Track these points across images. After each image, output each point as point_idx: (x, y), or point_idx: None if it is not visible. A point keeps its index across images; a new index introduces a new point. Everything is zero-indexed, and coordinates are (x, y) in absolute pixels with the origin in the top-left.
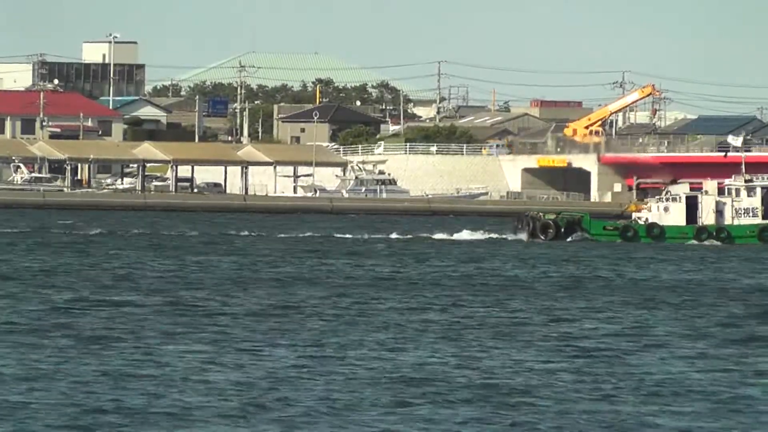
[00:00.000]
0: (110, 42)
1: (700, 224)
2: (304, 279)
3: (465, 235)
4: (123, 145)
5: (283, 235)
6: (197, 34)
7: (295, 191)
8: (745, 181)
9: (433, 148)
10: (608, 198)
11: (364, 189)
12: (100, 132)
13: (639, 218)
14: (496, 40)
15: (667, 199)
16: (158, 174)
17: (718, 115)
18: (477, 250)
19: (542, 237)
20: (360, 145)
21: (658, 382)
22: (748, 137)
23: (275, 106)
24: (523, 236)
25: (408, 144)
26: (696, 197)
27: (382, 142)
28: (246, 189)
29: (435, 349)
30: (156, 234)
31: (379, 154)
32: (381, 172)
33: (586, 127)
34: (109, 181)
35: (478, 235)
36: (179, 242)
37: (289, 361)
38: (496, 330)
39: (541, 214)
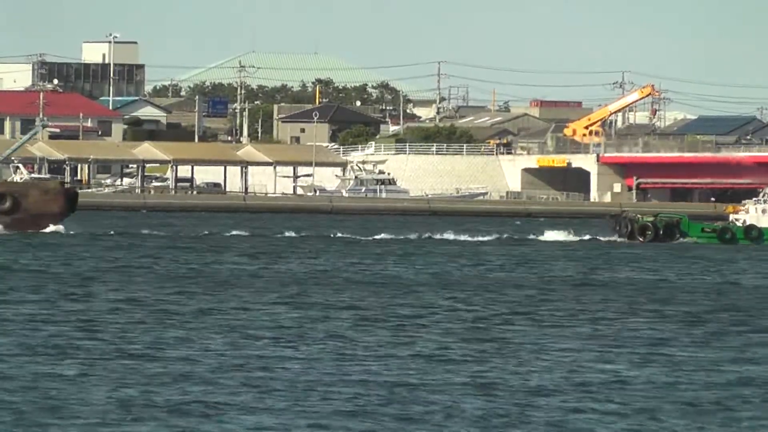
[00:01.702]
0: (110, 42)
1: None
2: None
3: (554, 235)
4: (123, 146)
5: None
6: (197, 34)
7: (294, 191)
8: None
9: (433, 148)
10: (608, 198)
11: (363, 189)
12: (99, 132)
13: (736, 220)
14: (496, 40)
15: (765, 201)
16: (158, 174)
17: (718, 115)
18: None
19: (640, 239)
20: (359, 146)
21: None
22: (748, 137)
23: (275, 107)
24: (621, 238)
25: (397, 144)
26: None
27: (373, 143)
28: (246, 189)
29: None
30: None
31: (369, 154)
32: (381, 172)
33: (586, 127)
34: (108, 181)
35: (571, 237)
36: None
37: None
38: None
39: (639, 216)
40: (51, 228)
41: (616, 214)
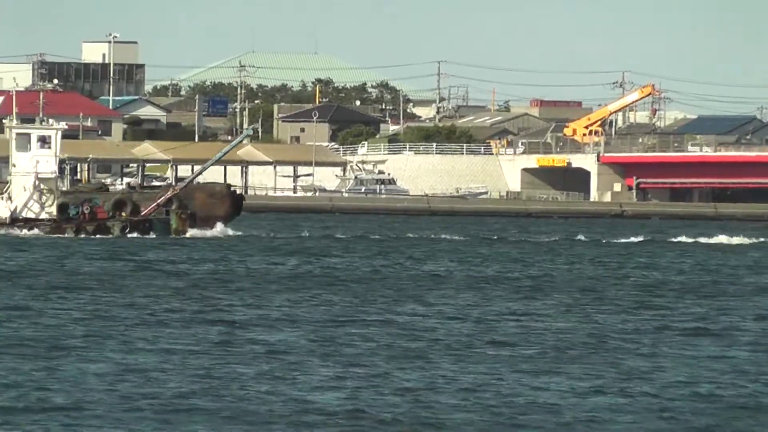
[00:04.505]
0: (110, 42)
1: None
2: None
3: (725, 239)
4: (123, 145)
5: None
6: (197, 34)
7: (294, 191)
8: None
9: (433, 148)
10: (608, 198)
11: (363, 189)
12: (100, 132)
13: None
14: (496, 40)
15: None
16: (158, 174)
17: (718, 115)
18: None
19: None
20: (357, 145)
21: None
22: (748, 137)
23: (275, 106)
24: None
25: (390, 144)
26: None
27: (366, 143)
28: (246, 189)
29: None
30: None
31: (363, 154)
32: (381, 172)
33: (586, 127)
34: (109, 181)
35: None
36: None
37: None
38: None
39: None
40: (216, 231)
41: None
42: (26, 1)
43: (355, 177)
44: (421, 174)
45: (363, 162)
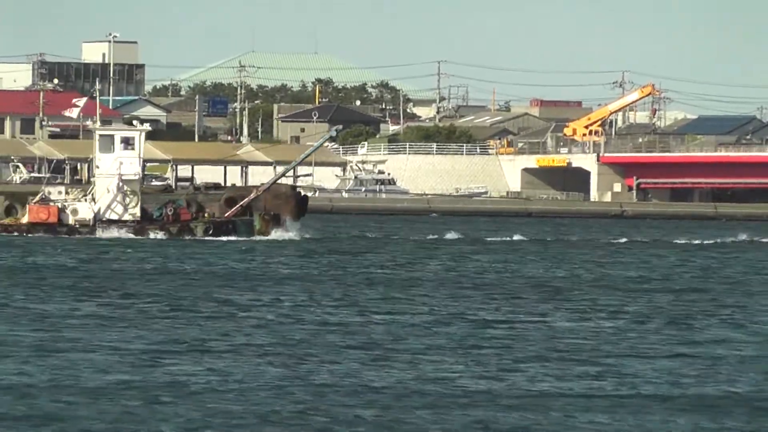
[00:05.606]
0: (110, 42)
1: None
2: None
3: None
4: None
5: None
6: (197, 34)
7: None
8: None
9: (433, 148)
10: (608, 198)
11: (363, 189)
12: None
13: None
14: (496, 40)
15: None
16: (158, 173)
17: (718, 115)
18: None
19: None
20: (358, 145)
21: None
22: (748, 137)
23: (275, 106)
24: None
25: (389, 144)
26: None
27: (366, 143)
28: None
29: None
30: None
31: (363, 154)
32: (381, 172)
33: (586, 127)
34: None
35: None
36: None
37: None
38: None
39: None
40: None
41: None
42: (26, 1)
43: (355, 177)
44: (421, 174)
45: (363, 162)
